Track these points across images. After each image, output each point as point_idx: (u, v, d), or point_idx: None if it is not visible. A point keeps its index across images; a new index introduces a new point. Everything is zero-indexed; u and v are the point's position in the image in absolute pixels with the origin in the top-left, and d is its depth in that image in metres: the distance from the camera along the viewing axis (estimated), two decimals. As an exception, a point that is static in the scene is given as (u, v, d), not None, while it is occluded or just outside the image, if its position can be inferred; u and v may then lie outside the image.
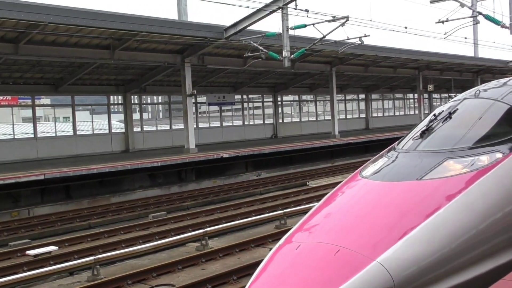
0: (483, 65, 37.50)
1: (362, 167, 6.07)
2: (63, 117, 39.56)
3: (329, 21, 17.01)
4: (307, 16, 16.17)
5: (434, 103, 47.91)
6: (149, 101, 30.27)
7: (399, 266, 4.02)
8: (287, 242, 4.70)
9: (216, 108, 29.49)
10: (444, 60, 32.45)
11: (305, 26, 17.45)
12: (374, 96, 40.56)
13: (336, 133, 28.39)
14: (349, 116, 38.04)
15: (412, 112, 44.84)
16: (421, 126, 6.29)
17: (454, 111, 6.16)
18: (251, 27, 18.95)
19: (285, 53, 17.56)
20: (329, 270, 4.01)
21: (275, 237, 10.42)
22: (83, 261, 8.72)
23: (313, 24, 17.29)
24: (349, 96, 38.34)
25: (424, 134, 5.91)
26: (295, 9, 16.81)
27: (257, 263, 8.34)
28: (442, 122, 6.03)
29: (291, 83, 30.96)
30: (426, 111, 40.88)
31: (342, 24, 16.76)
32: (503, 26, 14.03)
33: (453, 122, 5.98)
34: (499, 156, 5.18)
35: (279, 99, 32.38)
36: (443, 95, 49.03)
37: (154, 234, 11.39)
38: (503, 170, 5.02)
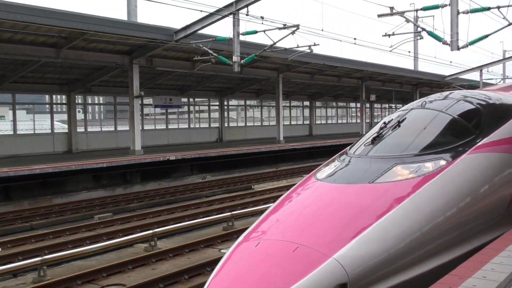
0: (422, 79, 39.10)
1: (315, 170, 6.34)
2: (-3, 116, 38.07)
3: (280, 28, 17.37)
4: (263, 23, 16.43)
5: (375, 113, 49.49)
6: (90, 102, 29.53)
7: (354, 263, 4.27)
8: (246, 239, 4.87)
9: (162, 110, 29.32)
10: (387, 72, 33.64)
11: (256, 32, 17.72)
12: (318, 103, 41.44)
13: (281, 138, 28.84)
14: (293, 122, 38.69)
15: (354, 121, 46.14)
16: (372, 133, 6.64)
17: (403, 120, 6.55)
18: (202, 31, 19.06)
19: (235, 58, 17.75)
20: (289, 266, 4.22)
21: (223, 238, 10.60)
22: (29, 262, 8.55)
23: (264, 31, 17.59)
24: (294, 103, 39.01)
25: (375, 140, 6.24)
26: (247, 15, 17.05)
27: (207, 263, 8.50)
28: (392, 130, 6.40)
29: (238, 88, 31.21)
30: (368, 120, 42.20)
31: (293, 32, 17.14)
32: (444, 42, 14.80)
33: (401, 130, 6.36)
34: (443, 163, 5.57)
35: (225, 103, 32.56)
36: (384, 105, 50.70)
37: (101, 235, 11.27)
38: (447, 176, 5.41)
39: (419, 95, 43.05)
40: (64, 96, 24.46)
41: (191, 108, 31.38)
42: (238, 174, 23.26)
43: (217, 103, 32.06)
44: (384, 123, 6.72)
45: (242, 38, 18.26)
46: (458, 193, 5.39)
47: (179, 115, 30.99)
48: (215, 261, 8.67)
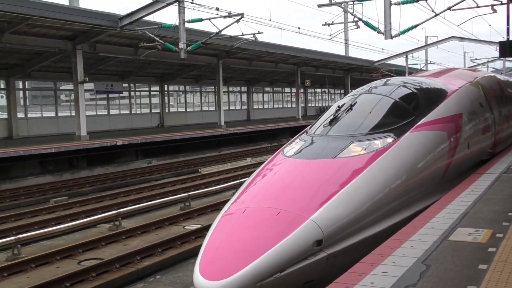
0: (353, 64, 40.85)
1: (281, 149, 7.22)
2: None
3: (225, 17, 18.02)
4: (218, 14, 16.95)
5: (309, 98, 51.09)
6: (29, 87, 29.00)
7: (327, 223, 5.19)
8: (233, 208, 5.67)
9: (102, 95, 29.26)
10: (321, 58, 35.01)
11: (201, 20, 18.29)
12: (255, 89, 42.43)
13: (222, 123, 29.56)
14: (231, 107, 39.48)
15: (289, 105, 47.49)
16: (328, 115, 7.61)
17: (354, 104, 7.57)
18: (147, 18, 19.38)
19: (181, 45, 18.26)
20: (275, 226, 5.07)
21: (185, 216, 11.33)
22: (3, 241, 8.90)
23: (209, 19, 18.19)
24: (231, 88, 39.78)
25: (332, 122, 7.23)
26: (192, 3, 17.59)
27: (177, 238, 9.22)
28: (346, 113, 7.40)
29: (178, 73, 31.57)
30: (302, 105, 43.62)
31: (237, 21, 17.85)
32: (379, 32, 16.03)
33: (354, 112, 7.37)
34: (390, 140, 6.62)
35: (165, 89, 32.84)
36: (317, 90, 52.40)
37: (64, 217, 11.65)
38: (395, 151, 6.45)
39: (350, 79, 44.99)
40: (2, 81, 24.01)
41: (132, 93, 31.44)
42: (183, 159, 23.84)
43: (158, 89, 32.29)
44: (338, 106, 7.70)
45: (187, 25, 18.79)
46: (404, 165, 6.43)
47: (120, 100, 31.01)
48: (183, 236, 9.43)
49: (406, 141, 6.71)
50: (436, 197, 6.89)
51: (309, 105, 50.38)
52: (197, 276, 4.72)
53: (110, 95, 28.95)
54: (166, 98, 32.89)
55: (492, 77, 13.01)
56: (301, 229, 5.03)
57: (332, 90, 54.59)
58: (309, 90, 50.38)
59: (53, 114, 26.29)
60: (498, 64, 56.52)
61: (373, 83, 8.64)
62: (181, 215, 11.27)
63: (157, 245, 8.67)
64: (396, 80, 8.77)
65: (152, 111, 32.27)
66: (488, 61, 53.36)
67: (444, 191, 7.13)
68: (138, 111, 31.77)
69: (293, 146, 7.00)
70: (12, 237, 9.01)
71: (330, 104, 55.21)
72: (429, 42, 48.71)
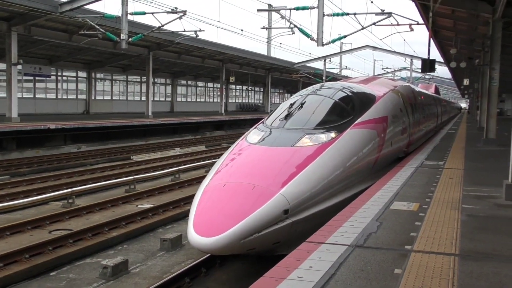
0: (275, 64, 42.72)
1: (242, 137, 8.49)
2: None
3: (168, 12, 18.89)
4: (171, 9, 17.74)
5: (230, 93, 52.45)
6: None
7: (292, 197, 6.53)
8: (213, 183, 6.84)
9: (29, 78, 28.86)
10: (245, 56, 36.46)
11: (144, 13, 19.02)
12: (180, 82, 43.14)
13: (150, 113, 30.17)
14: (156, 98, 39.96)
15: (211, 100, 48.58)
16: (281, 111, 8.98)
17: (304, 102, 8.99)
18: (89, 6, 19.79)
19: (123, 36, 18.91)
20: (251, 198, 6.33)
21: (135, 197, 12.21)
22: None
23: (153, 13, 18.98)
24: (157, 80, 40.26)
25: (287, 116, 8.61)
26: (136, -4, 18.34)
27: (136, 214, 10.16)
28: (297, 110, 8.82)
29: (107, 62, 31.72)
30: (224, 100, 44.93)
31: (180, 17, 18.79)
32: (312, 39, 17.65)
33: (304, 110, 8.82)
34: (333, 135, 8.08)
35: (93, 76, 32.84)
36: (238, 87, 53.88)
37: (14, 194, 12.12)
38: (338, 144, 7.93)
39: (270, 78, 46.88)
40: None
41: (59, 78, 31.18)
42: (112, 146, 24.30)
43: (85, 76, 32.24)
44: (290, 104, 9.11)
45: (129, 17, 19.45)
46: (346, 156, 7.92)
47: (46, 84, 30.67)
48: (142, 212, 10.36)
49: (347, 136, 8.21)
50: (368, 183, 8.45)
51: (230, 100, 51.76)
52: (192, 234, 5.87)
53: (37, 79, 28.62)
54: (93, 85, 32.87)
55: (408, 86, 15.05)
56: (273, 200, 6.33)
57: (252, 88, 56.37)
58: (231, 87, 51.78)
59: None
60: (404, 73, 60.99)
61: (316, 86, 10.17)
62: (131, 196, 12.16)
63: (121, 219, 9.59)
64: (336, 84, 10.36)
65: (79, 97, 32.18)
66: (395, 70, 57.70)
67: (373, 179, 8.72)
68: (64, 96, 31.57)
69: (255, 136, 8.28)
70: (-22, 209, 9.56)
71: (249, 101, 56.86)
72: (344, 48, 51.68)
